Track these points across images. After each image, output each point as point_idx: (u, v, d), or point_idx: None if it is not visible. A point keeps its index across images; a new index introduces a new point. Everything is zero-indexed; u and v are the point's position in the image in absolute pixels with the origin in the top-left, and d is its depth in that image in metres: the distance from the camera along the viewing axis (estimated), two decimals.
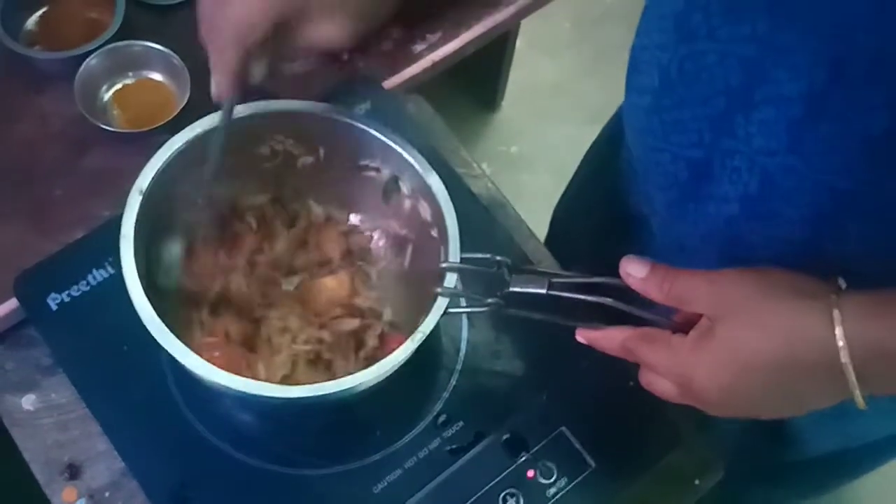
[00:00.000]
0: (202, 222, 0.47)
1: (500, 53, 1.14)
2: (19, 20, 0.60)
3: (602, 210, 0.62)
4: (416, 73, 0.62)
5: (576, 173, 0.70)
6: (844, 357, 0.32)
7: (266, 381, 0.42)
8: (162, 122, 0.56)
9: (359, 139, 0.47)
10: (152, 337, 0.40)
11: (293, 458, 0.47)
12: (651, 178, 0.46)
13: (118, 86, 0.60)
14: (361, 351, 0.48)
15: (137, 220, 0.42)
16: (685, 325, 0.37)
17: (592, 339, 0.40)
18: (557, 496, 0.47)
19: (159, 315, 0.40)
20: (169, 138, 0.45)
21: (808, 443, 0.55)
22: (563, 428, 0.49)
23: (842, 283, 0.34)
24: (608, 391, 0.49)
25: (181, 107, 0.57)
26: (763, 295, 0.34)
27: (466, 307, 0.43)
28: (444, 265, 0.43)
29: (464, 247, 0.43)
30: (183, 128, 0.45)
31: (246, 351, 0.47)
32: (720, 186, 0.40)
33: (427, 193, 0.46)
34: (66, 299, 0.50)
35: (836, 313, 0.32)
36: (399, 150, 0.46)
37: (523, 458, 0.48)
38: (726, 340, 0.35)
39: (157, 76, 0.60)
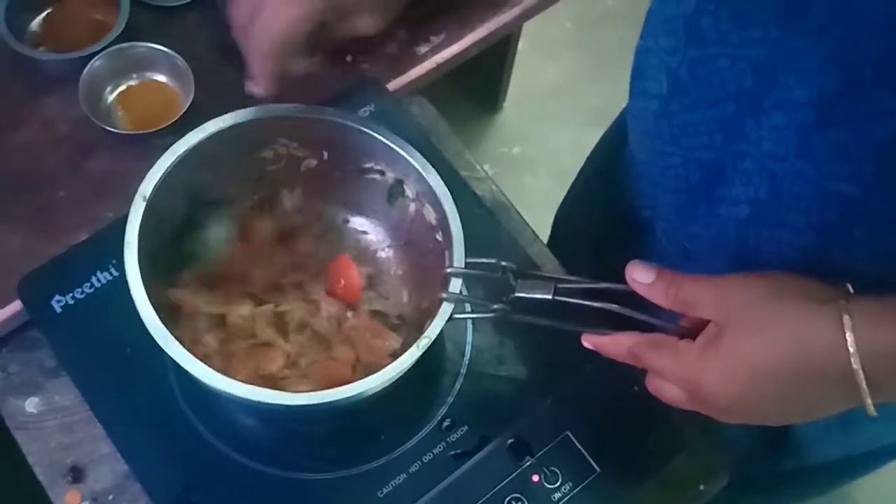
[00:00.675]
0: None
1: (502, 55, 1.14)
2: (24, 21, 0.60)
3: (605, 213, 0.61)
4: (421, 74, 0.62)
5: (578, 175, 0.70)
6: (855, 363, 0.31)
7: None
8: (166, 124, 0.56)
9: (363, 142, 0.47)
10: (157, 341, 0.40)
11: (297, 463, 0.47)
12: (658, 181, 0.46)
13: (122, 87, 0.59)
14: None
15: (141, 227, 0.42)
16: (692, 330, 0.37)
17: (599, 344, 0.40)
18: (562, 501, 0.47)
19: (164, 321, 0.40)
20: (173, 140, 0.45)
21: (812, 450, 0.55)
22: (568, 433, 0.48)
23: (850, 287, 0.34)
24: (613, 396, 0.49)
25: (185, 108, 0.57)
26: (771, 300, 0.34)
27: (472, 313, 0.43)
28: (448, 270, 0.43)
29: (467, 250, 0.43)
30: (187, 129, 0.45)
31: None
32: (732, 188, 0.40)
33: (431, 198, 0.45)
34: (70, 302, 0.50)
35: (846, 318, 0.32)
36: (403, 153, 0.46)
37: (528, 463, 0.47)
38: (734, 346, 0.34)
39: (161, 78, 0.60)
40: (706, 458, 0.51)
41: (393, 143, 0.46)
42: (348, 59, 0.60)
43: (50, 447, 0.49)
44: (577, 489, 0.47)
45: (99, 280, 0.51)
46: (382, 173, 0.49)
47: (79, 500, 0.47)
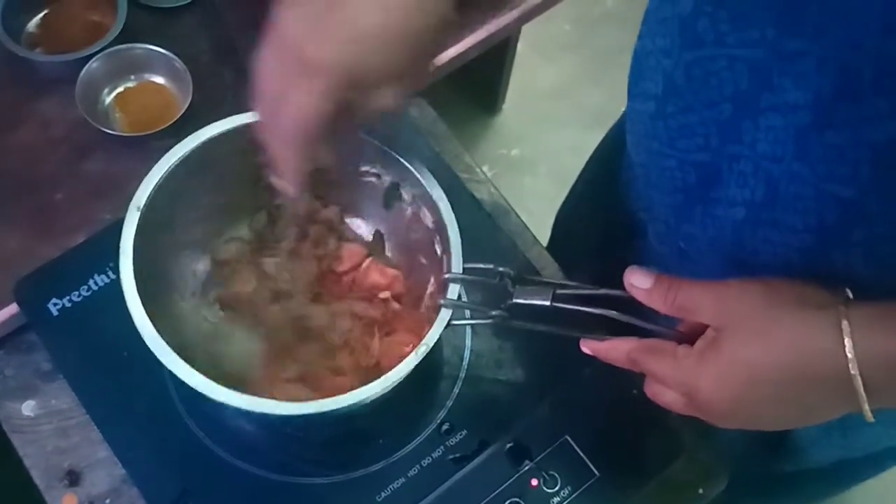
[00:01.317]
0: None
1: (501, 56, 1.14)
2: (20, 23, 0.60)
3: (605, 215, 0.61)
4: None
5: (579, 178, 0.70)
6: (853, 369, 0.31)
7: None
8: (164, 126, 0.55)
9: (360, 145, 0.47)
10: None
11: (296, 467, 0.47)
12: (655, 182, 0.46)
13: (120, 89, 0.59)
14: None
15: (136, 236, 0.42)
16: (690, 335, 0.37)
17: (597, 349, 0.40)
18: None
19: (160, 330, 0.40)
20: (171, 142, 0.45)
21: (811, 453, 0.54)
22: (567, 437, 0.48)
23: (849, 293, 0.33)
24: (612, 400, 0.49)
25: (183, 110, 0.56)
26: (769, 305, 0.34)
27: (470, 319, 0.43)
28: (446, 276, 0.43)
29: (467, 253, 0.43)
30: (185, 131, 0.45)
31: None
32: (728, 190, 0.40)
33: (429, 202, 0.45)
34: (67, 305, 0.50)
35: (844, 324, 0.32)
36: (400, 157, 0.46)
37: (527, 467, 0.47)
38: (732, 351, 0.34)
39: (159, 79, 0.60)
40: (704, 461, 0.51)
41: (390, 146, 0.46)
42: None
43: (46, 451, 0.49)
44: (576, 493, 0.47)
45: (96, 283, 0.51)
46: (379, 176, 0.49)
47: None
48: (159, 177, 0.43)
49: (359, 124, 0.40)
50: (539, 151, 1.28)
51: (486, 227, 0.55)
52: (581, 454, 0.48)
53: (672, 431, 0.50)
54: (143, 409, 0.48)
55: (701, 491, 0.50)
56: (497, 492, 0.47)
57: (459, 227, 0.43)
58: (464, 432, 0.49)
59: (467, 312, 0.43)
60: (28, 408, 0.50)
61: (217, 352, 0.48)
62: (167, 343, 0.39)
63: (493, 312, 0.42)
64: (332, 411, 0.39)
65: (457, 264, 0.43)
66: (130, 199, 0.43)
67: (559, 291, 0.41)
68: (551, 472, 0.47)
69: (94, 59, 0.57)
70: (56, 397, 0.50)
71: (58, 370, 0.50)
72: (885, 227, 0.35)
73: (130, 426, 0.48)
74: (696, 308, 0.36)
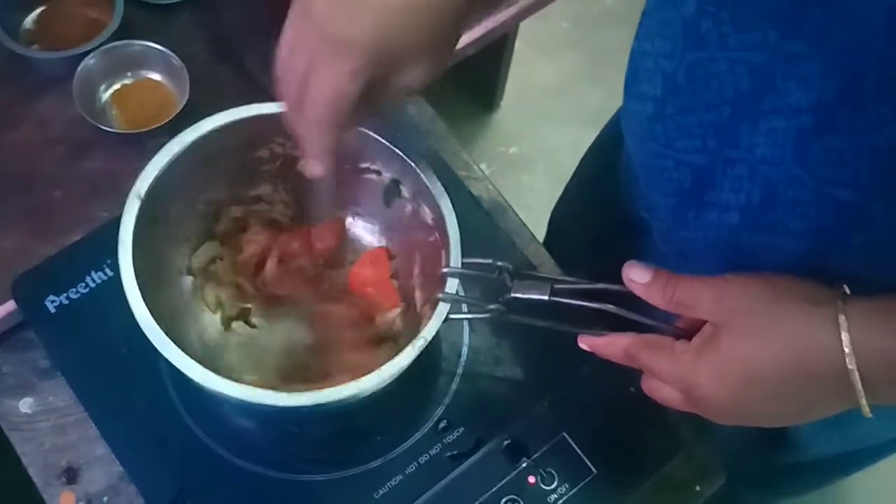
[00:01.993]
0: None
1: (499, 54, 1.14)
2: (17, 19, 0.60)
3: (600, 212, 0.61)
4: None
5: (574, 175, 0.70)
6: (851, 364, 0.31)
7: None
8: (161, 123, 0.55)
9: (359, 141, 0.47)
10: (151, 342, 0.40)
11: (293, 464, 0.47)
12: (654, 183, 0.46)
13: (117, 86, 0.59)
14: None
15: (136, 226, 0.42)
16: (688, 331, 0.37)
17: (595, 345, 0.40)
18: (559, 503, 0.47)
19: (158, 321, 0.40)
20: (168, 139, 0.45)
21: (809, 447, 0.55)
22: (565, 434, 0.48)
23: (846, 289, 0.33)
24: (609, 397, 0.49)
25: (181, 107, 0.56)
26: (767, 301, 0.34)
27: (468, 313, 0.43)
28: (445, 270, 0.43)
29: (465, 250, 0.43)
30: (183, 128, 0.45)
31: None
32: (722, 193, 0.40)
33: (428, 198, 0.45)
34: (65, 302, 0.50)
35: (842, 319, 0.32)
36: (400, 153, 0.46)
37: (524, 465, 0.47)
38: (730, 347, 0.34)
39: (156, 76, 0.59)
40: (702, 458, 0.51)
41: (389, 142, 0.46)
42: None
43: (44, 448, 0.49)
44: (574, 491, 0.47)
45: (94, 280, 0.51)
46: (379, 173, 0.49)
47: (73, 502, 0.47)
48: (160, 167, 0.43)
49: (384, 103, 0.39)
50: (537, 149, 1.28)
51: (483, 224, 0.55)
52: (579, 451, 0.48)
53: (670, 428, 0.50)
54: (141, 407, 0.48)
55: (698, 488, 0.50)
56: (494, 489, 0.47)
57: (458, 224, 0.43)
58: (461, 429, 0.49)
59: (465, 307, 0.43)
60: (26, 405, 0.50)
61: (214, 344, 0.48)
62: (164, 333, 0.39)
63: (491, 307, 0.42)
64: (329, 403, 0.39)
65: (455, 259, 0.43)
66: (128, 196, 0.43)
67: (557, 286, 0.41)
68: (549, 470, 0.47)
69: (90, 55, 0.57)
70: (54, 394, 0.50)
71: (55, 367, 0.50)
72: (885, 231, 0.35)
73: (128, 424, 0.47)
74: (695, 303, 0.36)
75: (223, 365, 0.48)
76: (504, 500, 0.46)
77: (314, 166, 0.39)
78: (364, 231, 0.53)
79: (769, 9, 0.33)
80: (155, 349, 0.40)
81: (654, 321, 0.39)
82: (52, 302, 0.50)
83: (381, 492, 0.47)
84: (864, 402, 0.32)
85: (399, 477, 0.47)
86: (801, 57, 0.33)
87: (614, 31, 1.35)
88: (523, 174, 1.27)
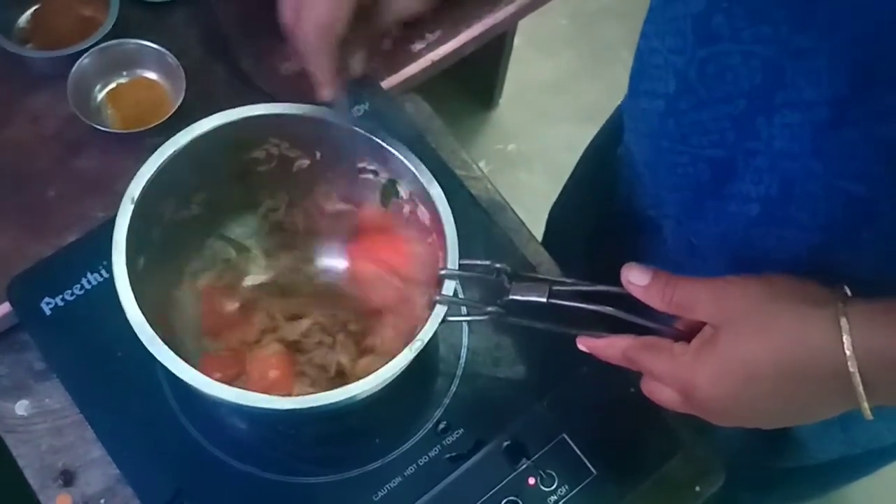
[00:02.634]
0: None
1: (497, 51, 1.14)
2: (10, 17, 0.59)
3: (599, 210, 0.61)
4: (416, 72, 0.62)
5: (572, 174, 0.69)
6: (852, 366, 0.31)
7: None
8: (157, 122, 0.55)
9: (356, 142, 0.47)
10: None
11: (291, 466, 0.47)
12: (663, 180, 0.45)
13: (112, 85, 0.59)
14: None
15: (130, 229, 0.41)
16: (688, 333, 0.37)
17: (594, 347, 0.40)
18: None
19: (152, 325, 0.39)
20: (164, 138, 0.44)
21: (811, 450, 0.54)
22: (564, 435, 0.48)
23: (847, 290, 0.33)
24: (609, 398, 0.49)
25: (177, 106, 0.56)
26: (767, 302, 0.34)
27: (466, 315, 0.43)
28: (442, 272, 0.42)
29: (463, 249, 0.43)
30: (178, 127, 0.45)
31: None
32: (743, 185, 0.40)
33: (426, 199, 0.45)
34: (60, 303, 0.50)
35: (843, 321, 0.31)
36: (396, 153, 0.46)
37: (524, 466, 0.47)
38: (730, 348, 0.34)
39: (151, 75, 0.59)
40: (701, 459, 0.51)
41: (386, 142, 0.46)
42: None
43: (40, 450, 0.48)
44: (574, 492, 0.47)
45: (89, 282, 0.50)
46: (376, 173, 0.48)
47: None
48: (154, 169, 0.43)
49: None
50: (535, 146, 1.28)
51: (482, 223, 0.55)
52: (578, 452, 0.48)
53: (669, 429, 0.49)
54: (137, 409, 0.48)
55: (698, 488, 0.50)
56: (494, 490, 0.46)
57: (455, 223, 0.43)
58: (460, 431, 0.48)
59: (463, 309, 0.43)
60: (21, 407, 0.49)
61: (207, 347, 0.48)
62: (158, 336, 0.39)
63: (489, 309, 0.42)
64: (326, 406, 0.39)
65: (453, 260, 0.42)
66: (123, 195, 0.42)
67: (556, 288, 0.40)
68: (548, 471, 0.47)
69: (85, 54, 0.56)
70: (49, 396, 0.50)
71: (51, 369, 0.50)
72: (893, 228, 0.35)
73: (125, 426, 0.47)
74: (694, 305, 0.36)
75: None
76: (504, 501, 0.46)
77: (323, 90, 0.41)
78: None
79: (780, 1, 0.33)
80: (151, 351, 0.39)
81: (653, 323, 0.38)
82: (48, 304, 0.50)
83: (380, 494, 0.46)
84: (865, 404, 0.32)
85: (398, 479, 0.47)
86: (809, 51, 0.33)
87: (613, 27, 1.35)
88: (521, 172, 1.27)
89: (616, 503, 0.48)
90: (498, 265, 0.42)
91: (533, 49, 1.31)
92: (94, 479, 0.48)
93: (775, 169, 0.38)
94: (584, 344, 0.40)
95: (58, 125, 0.57)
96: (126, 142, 0.55)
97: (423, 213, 0.46)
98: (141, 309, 0.40)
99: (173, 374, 0.39)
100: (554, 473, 0.47)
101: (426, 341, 0.40)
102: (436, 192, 0.44)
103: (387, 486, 0.47)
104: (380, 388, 0.40)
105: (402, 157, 0.45)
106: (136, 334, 0.39)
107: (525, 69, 1.28)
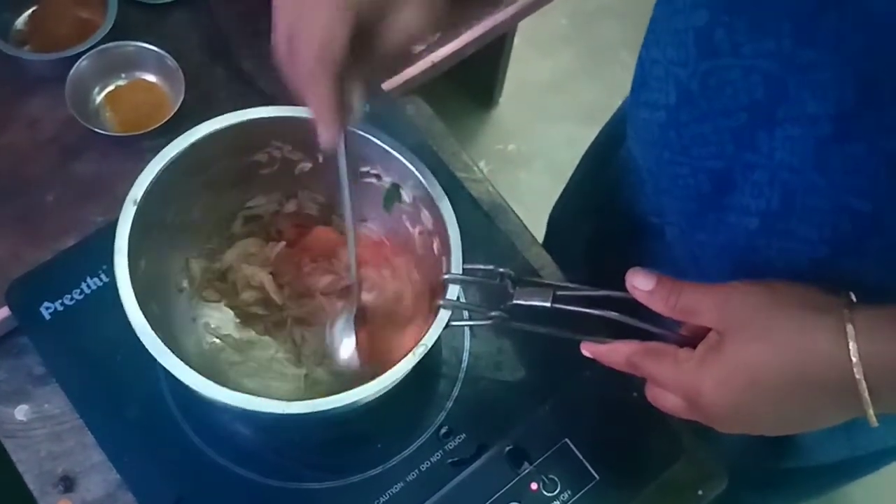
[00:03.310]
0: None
1: (497, 51, 1.13)
2: (8, 20, 0.59)
3: (599, 214, 0.61)
4: (416, 74, 0.61)
5: (573, 175, 0.69)
6: (858, 373, 0.31)
7: None
8: (156, 125, 0.55)
9: (358, 145, 0.46)
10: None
11: (293, 472, 0.47)
12: (665, 189, 0.45)
13: (111, 87, 0.58)
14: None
15: (132, 232, 0.41)
16: (692, 338, 0.37)
17: (598, 353, 0.39)
18: None
19: (154, 328, 0.39)
20: (164, 141, 0.44)
21: (814, 452, 0.54)
22: (567, 440, 0.48)
23: (853, 297, 0.33)
24: (611, 402, 0.49)
25: (176, 108, 0.56)
26: (772, 308, 0.34)
27: (469, 320, 0.43)
28: (446, 277, 0.42)
29: (465, 253, 0.42)
30: (178, 130, 0.44)
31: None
32: (742, 198, 0.40)
33: (429, 203, 0.45)
34: (60, 308, 0.49)
35: (849, 328, 0.31)
36: (400, 157, 0.45)
37: (526, 471, 0.47)
38: (734, 355, 0.34)
39: (150, 77, 0.59)
40: (704, 463, 0.51)
41: (389, 146, 0.45)
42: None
43: (40, 456, 0.48)
44: (576, 497, 0.47)
45: (89, 286, 0.50)
46: (379, 177, 0.48)
47: None
48: (156, 172, 0.43)
49: (381, 56, 0.37)
50: (535, 146, 1.28)
51: (483, 226, 0.55)
52: (581, 457, 0.48)
53: (672, 434, 0.49)
54: (137, 414, 0.47)
55: (700, 492, 0.50)
56: (496, 496, 0.46)
57: (458, 227, 0.43)
58: (462, 436, 0.48)
59: (466, 313, 0.43)
60: (21, 412, 0.49)
61: (211, 352, 0.48)
62: (161, 341, 0.39)
63: (493, 313, 0.41)
64: (328, 411, 0.39)
65: (456, 265, 0.42)
66: (122, 200, 0.42)
67: (559, 293, 0.40)
68: (551, 476, 0.47)
69: (83, 57, 0.56)
70: (49, 401, 0.49)
71: (50, 374, 0.49)
72: None
73: (125, 431, 0.47)
74: (698, 311, 0.36)
75: (220, 372, 0.47)
76: None
77: (323, 132, 0.38)
78: (364, 235, 0.52)
79: (784, 15, 0.33)
80: (151, 356, 0.39)
81: (658, 328, 0.38)
82: (47, 308, 0.49)
83: (381, 499, 0.46)
84: (870, 412, 0.32)
85: (400, 484, 0.47)
86: (815, 65, 0.32)
87: (612, 26, 1.35)
88: (521, 171, 1.27)
89: None
90: (501, 270, 0.41)
91: (532, 48, 1.31)
92: (95, 485, 0.47)
93: (775, 182, 0.37)
94: (587, 349, 0.40)
95: (56, 128, 0.56)
96: (125, 145, 0.55)
97: (426, 217, 0.46)
98: (144, 314, 0.39)
99: (174, 379, 0.39)
100: (556, 478, 0.47)
101: (430, 346, 0.40)
102: (439, 195, 0.44)
103: (388, 491, 0.46)
104: (383, 392, 0.40)
105: (406, 162, 0.45)
106: (136, 338, 0.39)
107: (525, 69, 1.27)
